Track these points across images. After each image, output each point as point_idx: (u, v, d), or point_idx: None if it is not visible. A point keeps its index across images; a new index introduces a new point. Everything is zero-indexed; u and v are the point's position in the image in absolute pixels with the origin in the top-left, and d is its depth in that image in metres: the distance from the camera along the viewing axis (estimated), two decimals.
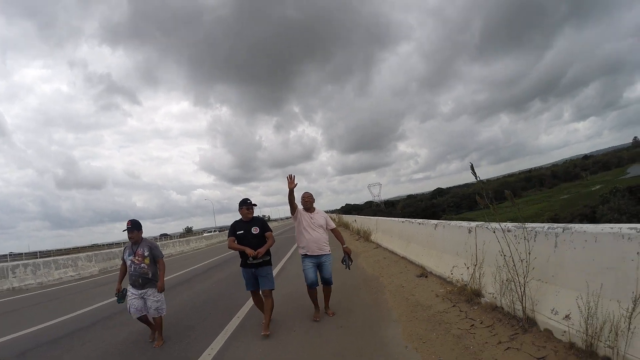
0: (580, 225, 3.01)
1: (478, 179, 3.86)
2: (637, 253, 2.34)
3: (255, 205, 4.93)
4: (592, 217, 44.85)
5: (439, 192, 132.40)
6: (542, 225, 3.50)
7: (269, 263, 4.80)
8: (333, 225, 5.13)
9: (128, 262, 4.76)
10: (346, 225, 23.84)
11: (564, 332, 2.85)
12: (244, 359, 3.85)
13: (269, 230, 4.81)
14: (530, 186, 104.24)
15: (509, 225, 3.84)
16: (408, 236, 8.31)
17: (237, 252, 4.74)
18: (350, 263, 5.02)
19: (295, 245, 9.56)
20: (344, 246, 5.01)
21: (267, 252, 4.71)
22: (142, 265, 4.69)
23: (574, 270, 2.91)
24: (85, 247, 67.60)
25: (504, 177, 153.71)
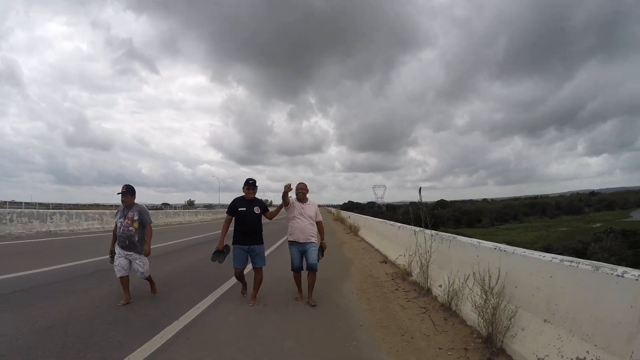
0: (461, 237, 4.96)
1: (420, 200, 5.72)
2: (477, 256, 4.26)
3: (257, 186, 5.13)
4: (582, 253, 46.10)
5: (441, 204, 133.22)
6: (446, 234, 5.44)
7: (262, 242, 5.09)
8: (320, 218, 5.37)
9: (118, 224, 5.00)
10: (342, 220, 25.94)
11: (439, 296, 4.83)
12: (227, 319, 4.32)
13: (268, 211, 5.18)
14: (533, 212, 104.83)
15: (432, 232, 5.72)
16: (382, 233, 10.41)
17: (233, 228, 5.02)
18: (320, 257, 5.25)
19: (282, 239, 11.16)
20: (322, 241, 5.33)
21: (260, 229, 5.04)
22: (130, 228, 4.93)
23: (454, 262, 4.84)
24: (86, 205, 65.49)
25: (509, 199, 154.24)
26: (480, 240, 4.38)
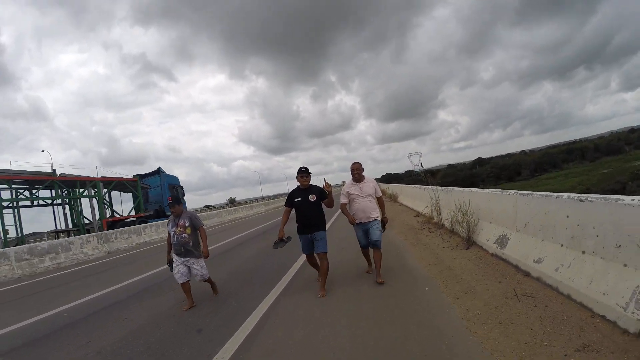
0: (455, 188, 7.90)
1: (419, 168, 8.66)
2: (463, 197, 7.18)
3: (310, 173, 5.11)
4: (621, 193, 46.58)
5: (479, 162, 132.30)
6: (447, 187, 8.41)
7: (324, 228, 5.10)
8: (380, 194, 5.45)
9: (171, 233, 5.19)
10: (383, 192, 29.35)
11: (447, 226, 7.83)
12: (295, 312, 4.33)
13: (326, 197, 5.12)
14: (572, 159, 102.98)
15: (445, 187, 8.65)
16: (413, 195, 13.62)
17: (295, 218, 5.15)
18: (383, 230, 5.29)
19: (336, 214, 13.52)
20: (383, 216, 5.44)
21: (322, 218, 5.12)
22: (184, 235, 5.11)
23: (453, 204, 7.76)
24: (134, 219, 67.44)
25: (547, 148, 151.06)
26: (463, 188, 7.35)
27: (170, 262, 5.31)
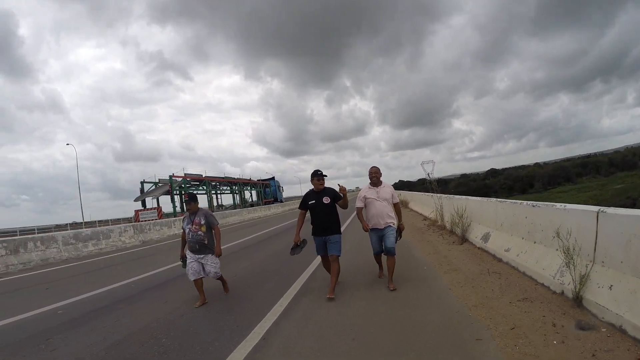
0: (455, 196, 9.43)
1: (429, 174, 10.19)
2: (460, 202, 8.70)
3: (325, 176, 5.11)
4: (631, 208, 46.77)
5: (492, 172, 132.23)
6: (448, 195, 9.94)
7: (338, 232, 5.09)
8: (397, 200, 5.43)
9: (187, 230, 5.22)
10: None
11: (447, 227, 9.36)
12: (311, 315, 4.38)
13: (341, 198, 5.05)
14: (586, 173, 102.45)
15: (448, 195, 10.17)
16: (422, 201, 15.20)
17: (310, 221, 5.18)
18: (398, 239, 5.30)
19: (350, 219, 14.59)
20: (400, 222, 5.43)
21: (337, 221, 5.14)
22: (199, 232, 5.14)
23: (452, 208, 9.28)
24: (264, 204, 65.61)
25: (562, 160, 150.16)
26: (461, 196, 8.87)
27: (183, 258, 5.38)
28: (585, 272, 3.71)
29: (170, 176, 41.06)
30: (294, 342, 3.69)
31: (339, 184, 5.11)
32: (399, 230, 5.36)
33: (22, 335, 4.70)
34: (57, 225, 49.61)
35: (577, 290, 3.73)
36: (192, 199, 5.36)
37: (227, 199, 60.57)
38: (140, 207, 39.82)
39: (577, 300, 3.73)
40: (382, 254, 5.41)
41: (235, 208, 48.86)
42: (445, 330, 3.64)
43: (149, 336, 4.22)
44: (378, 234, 5.27)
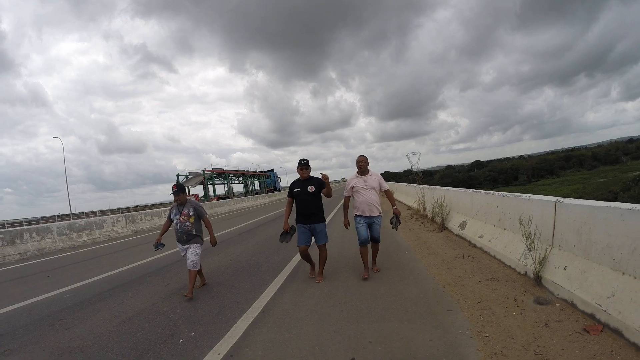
0: (436, 187, 9.99)
1: (415, 165, 10.76)
2: (440, 193, 9.25)
3: (310, 166, 5.25)
4: (611, 201, 47.73)
5: (477, 164, 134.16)
6: (430, 186, 10.50)
7: (322, 220, 5.26)
8: (386, 186, 5.52)
9: (174, 221, 5.27)
10: None
11: (429, 216, 9.93)
12: (303, 292, 4.75)
13: (324, 187, 5.20)
14: (570, 166, 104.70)
15: (430, 186, 10.74)
16: (406, 192, 15.80)
17: (295, 208, 5.30)
18: (398, 224, 5.50)
19: (337, 207, 15.22)
20: (394, 207, 5.49)
21: (321, 210, 5.28)
22: (187, 223, 5.18)
23: (433, 198, 9.83)
24: (129, 207, 66.03)
25: (546, 154, 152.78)
26: (441, 187, 9.44)
27: (158, 243, 5.51)
28: (545, 255, 4.25)
29: (203, 170, 57.43)
30: (291, 313, 4.19)
31: (321, 173, 5.24)
32: (396, 216, 5.50)
33: (34, 318, 5.00)
34: (42, 217, 49.35)
35: (537, 270, 4.27)
36: (181, 189, 5.37)
37: (237, 187, 70.84)
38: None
39: (537, 279, 4.27)
40: (368, 244, 5.43)
41: (246, 195, 60.41)
42: (421, 303, 4.17)
43: (156, 313, 4.65)
44: (366, 220, 5.33)
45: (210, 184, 57.63)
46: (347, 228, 5.73)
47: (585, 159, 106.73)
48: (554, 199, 4.40)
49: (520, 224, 4.75)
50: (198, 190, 56.56)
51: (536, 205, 4.72)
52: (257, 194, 62.02)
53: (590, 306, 3.31)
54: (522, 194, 5.24)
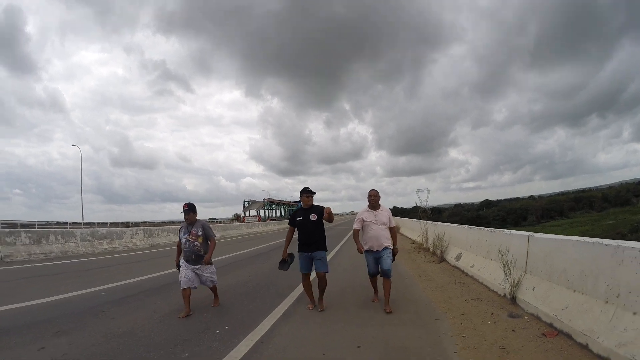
0: (438, 222, 10.94)
1: (424, 202, 11.76)
2: (441, 228, 10.19)
3: (314, 193, 5.21)
4: None
5: (486, 204, 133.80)
6: (432, 222, 11.48)
7: (324, 248, 5.24)
8: (393, 224, 5.53)
9: (183, 240, 5.23)
10: None
11: (430, 249, 10.84)
12: (303, 328, 4.52)
13: (324, 215, 5.17)
14: (580, 207, 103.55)
15: (432, 222, 11.70)
16: (412, 227, 16.71)
17: (296, 237, 5.27)
18: (392, 260, 5.40)
19: (345, 239, 16.19)
20: (394, 247, 5.50)
21: (323, 238, 5.26)
22: (196, 243, 5.19)
23: (435, 233, 10.76)
24: (138, 222, 63.29)
25: (557, 194, 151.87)
26: (442, 223, 10.40)
27: (179, 266, 5.36)
28: (519, 279, 5.19)
29: (264, 199, 78.28)
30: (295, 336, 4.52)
31: (324, 207, 5.31)
32: (393, 254, 5.45)
33: (78, 308, 5.59)
34: (57, 222, 49.57)
35: (512, 292, 5.21)
36: (192, 209, 5.32)
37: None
38: (243, 216, 72.10)
39: (513, 299, 5.20)
40: (378, 276, 5.54)
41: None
42: (415, 314, 5.13)
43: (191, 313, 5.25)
44: (374, 255, 5.34)
45: (266, 209, 77.65)
46: (361, 253, 5.48)
47: (595, 200, 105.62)
48: (527, 233, 5.39)
49: (500, 254, 5.70)
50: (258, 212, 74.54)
51: (515, 238, 5.70)
52: (273, 219, 70.23)
53: (549, 317, 4.23)
54: (505, 230, 6.23)
